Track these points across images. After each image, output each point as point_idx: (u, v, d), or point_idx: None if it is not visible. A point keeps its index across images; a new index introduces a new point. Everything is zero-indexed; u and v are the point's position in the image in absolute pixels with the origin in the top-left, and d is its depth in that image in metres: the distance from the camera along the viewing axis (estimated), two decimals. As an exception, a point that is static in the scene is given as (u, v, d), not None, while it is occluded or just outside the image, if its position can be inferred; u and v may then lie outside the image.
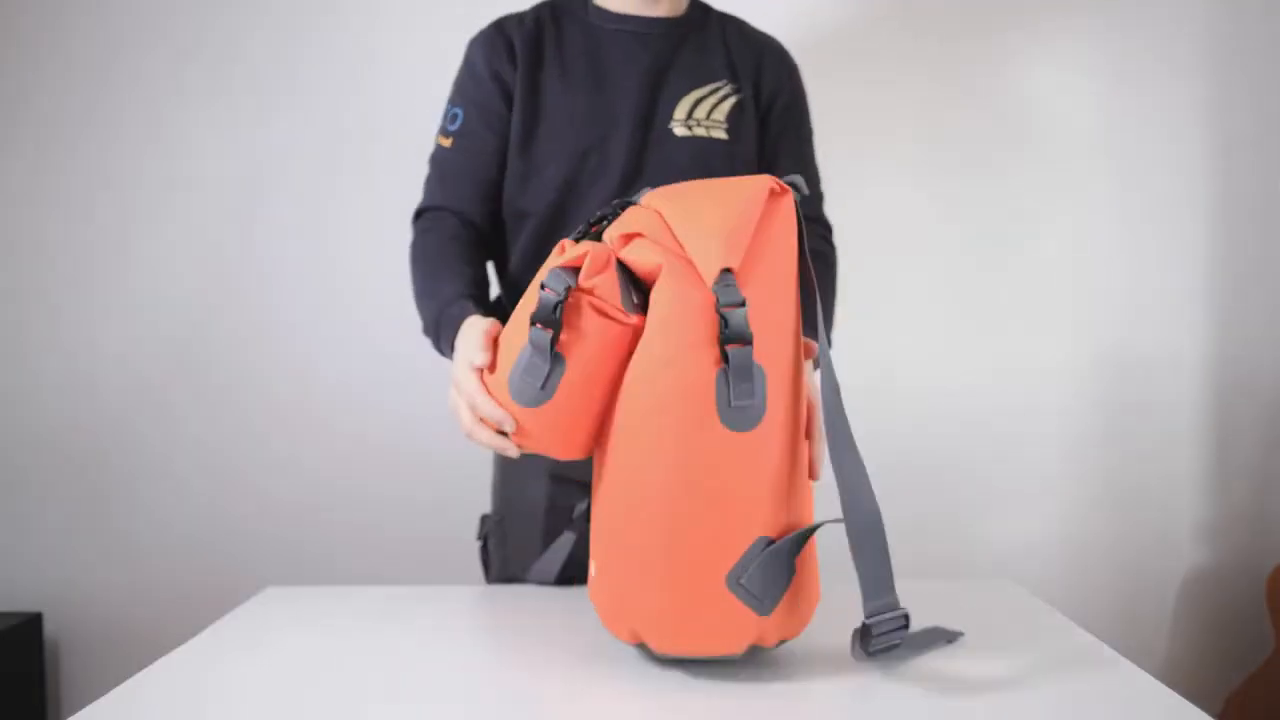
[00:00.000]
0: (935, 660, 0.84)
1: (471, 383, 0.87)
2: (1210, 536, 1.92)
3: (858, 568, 0.74)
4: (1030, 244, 1.88)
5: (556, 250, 0.83)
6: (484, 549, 1.25)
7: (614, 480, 0.80)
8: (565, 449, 0.85)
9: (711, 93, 1.17)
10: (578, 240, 0.83)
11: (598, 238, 0.83)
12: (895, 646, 0.76)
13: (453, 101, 1.19)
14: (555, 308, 0.77)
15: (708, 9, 1.23)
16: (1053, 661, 0.84)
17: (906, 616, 0.75)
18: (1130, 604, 1.91)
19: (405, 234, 1.83)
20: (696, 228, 0.76)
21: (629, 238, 0.79)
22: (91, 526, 1.87)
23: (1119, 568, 1.91)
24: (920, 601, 1.01)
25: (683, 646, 0.78)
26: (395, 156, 1.83)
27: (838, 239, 1.30)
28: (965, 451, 1.89)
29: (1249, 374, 1.91)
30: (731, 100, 1.17)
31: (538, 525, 1.16)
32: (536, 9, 1.20)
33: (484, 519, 1.26)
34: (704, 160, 1.14)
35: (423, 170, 1.25)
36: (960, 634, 0.88)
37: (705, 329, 0.75)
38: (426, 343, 1.09)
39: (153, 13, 1.84)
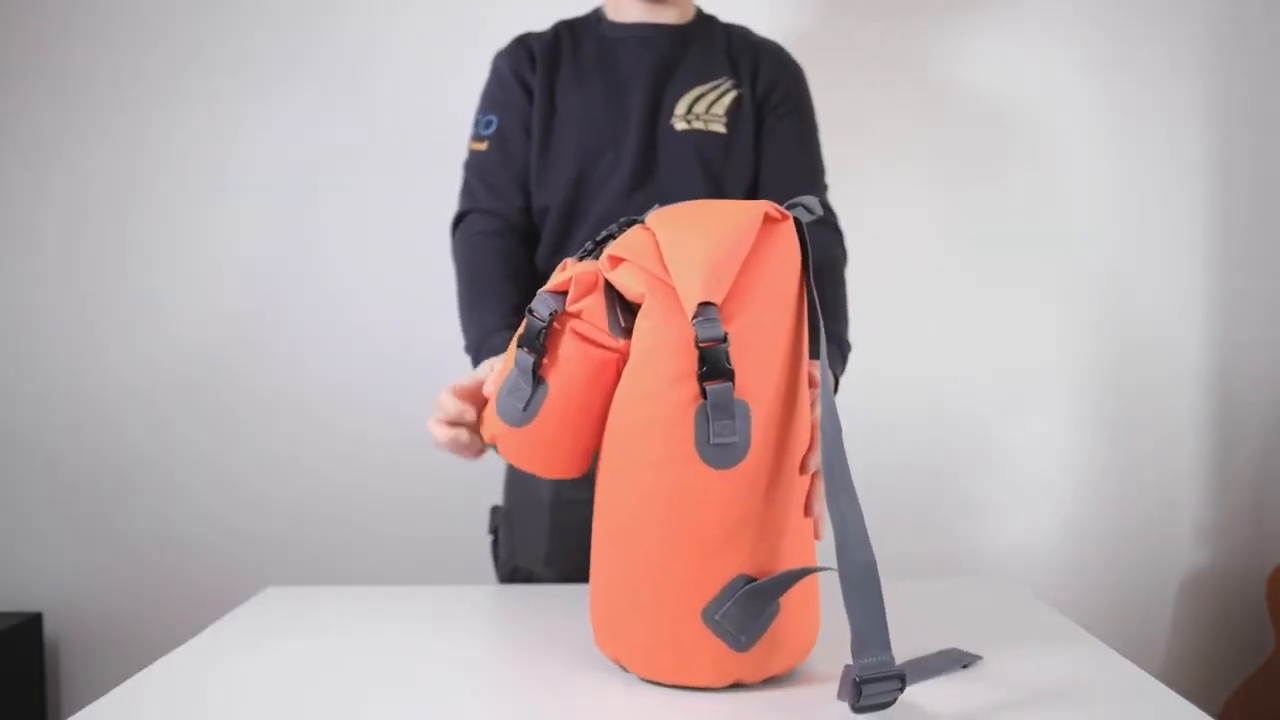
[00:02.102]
0: (935, 660, 0.84)
1: (450, 385, 0.90)
2: (1210, 536, 1.92)
3: (849, 619, 0.69)
4: (1030, 244, 1.88)
5: (559, 268, 0.82)
6: (495, 542, 1.28)
7: (603, 502, 0.80)
8: (548, 469, 0.84)
9: (712, 89, 1.21)
10: (581, 259, 0.82)
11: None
12: (889, 704, 0.71)
13: (483, 110, 1.24)
14: (539, 334, 0.77)
15: (713, 18, 1.28)
16: (1052, 661, 0.84)
17: (903, 677, 0.69)
18: (1130, 604, 1.91)
19: (403, 234, 1.86)
20: (682, 256, 0.73)
21: (617, 261, 0.77)
22: (91, 526, 1.87)
23: (1119, 568, 1.91)
24: (920, 601, 1.01)
25: (659, 674, 0.78)
26: (393, 157, 1.83)
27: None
28: (965, 451, 1.89)
29: (1249, 374, 1.91)
30: (731, 95, 1.21)
31: (544, 517, 1.18)
32: (555, 26, 1.27)
33: (494, 510, 1.28)
34: (703, 153, 1.18)
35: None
36: (978, 658, 0.84)
37: (685, 363, 0.72)
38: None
39: (151, 13, 1.84)
